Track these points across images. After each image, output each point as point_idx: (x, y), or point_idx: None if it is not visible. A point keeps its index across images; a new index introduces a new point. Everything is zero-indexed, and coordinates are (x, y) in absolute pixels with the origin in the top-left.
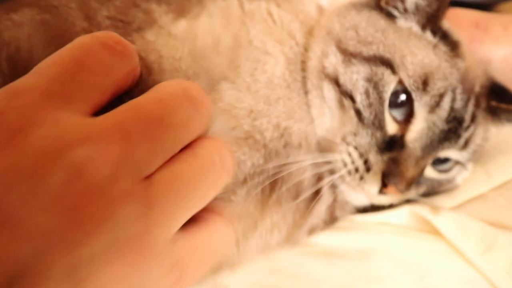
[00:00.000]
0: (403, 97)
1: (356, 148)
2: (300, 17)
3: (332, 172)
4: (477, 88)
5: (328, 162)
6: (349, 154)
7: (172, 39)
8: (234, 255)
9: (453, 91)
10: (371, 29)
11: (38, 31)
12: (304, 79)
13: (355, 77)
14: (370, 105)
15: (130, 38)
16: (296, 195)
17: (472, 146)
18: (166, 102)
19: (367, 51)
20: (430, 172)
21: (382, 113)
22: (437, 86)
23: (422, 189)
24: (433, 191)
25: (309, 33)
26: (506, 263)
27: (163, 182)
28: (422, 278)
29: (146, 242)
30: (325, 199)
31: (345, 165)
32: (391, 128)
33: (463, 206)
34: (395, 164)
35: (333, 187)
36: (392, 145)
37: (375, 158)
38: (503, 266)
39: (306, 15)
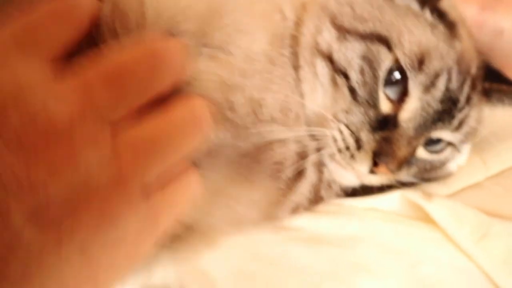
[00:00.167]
0: (397, 75)
1: (347, 126)
2: None
3: (319, 150)
4: (473, 70)
5: (316, 138)
6: (340, 132)
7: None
8: (200, 220)
9: (449, 71)
10: (367, 6)
11: None
12: (293, 54)
13: (350, 54)
14: (364, 83)
15: None
16: (276, 172)
17: (465, 128)
18: (128, 52)
19: (363, 28)
20: (422, 152)
21: (376, 91)
22: (433, 65)
23: (413, 170)
24: (425, 173)
25: (302, 7)
26: (502, 252)
27: (131, 132)
28: (413, 265)
29: (119, 190)
30: (310, 177)
31: (335, 141)
32: (385, 106)
33: (457, 195)
34: (387, 144)
35: (319, 165)
36: (385, 124)
37: (366, 137)
38: (499, 255)
39: None
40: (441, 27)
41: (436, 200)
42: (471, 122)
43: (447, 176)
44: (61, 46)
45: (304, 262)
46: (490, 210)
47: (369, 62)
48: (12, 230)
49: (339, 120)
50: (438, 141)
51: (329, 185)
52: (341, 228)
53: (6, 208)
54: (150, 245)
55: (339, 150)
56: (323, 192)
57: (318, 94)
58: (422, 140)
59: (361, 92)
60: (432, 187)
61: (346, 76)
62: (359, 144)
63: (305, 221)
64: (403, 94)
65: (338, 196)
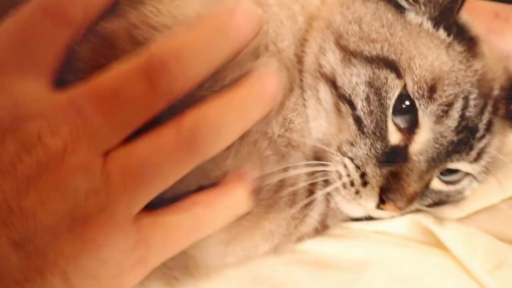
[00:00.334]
0: (408, 102)
1: (352, 159)
2: (300, 0)
3: (326, 182)
4: (495, 92)
5: (322, 172)
6: (345, 166)
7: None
8: (214, 256)
9: (466, 97)
10: (376, 24)
11: None
12: (300, 73)
13: (355, 80)
14: (371, 112)
15: None
16: (292, 203)
17: (485, 158)
18: (121, 78)
19: (369, 50)
20: (437, 183)
21: (385, 121)
22: (446, 93)
23: (427, 201)
24: (440, 202)
25: (308, 23)
26: None
27: (121, 159)
28: None
29: (107, 217)
30: (319, 207)
31: (340, 177)
32: (394, 138)
33: (471, 218)
34: (396, 179)
35: (326, 194)
36: (394, 157)
37: (373, 172)
38: None
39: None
40: (457, 47)
41: (448, 225)
42: (492, 151)
43: (460, 199)
44: (56, 60)
45: (307, 286)
46: (506, 235)
47: (376, 89)
48: None
49: (343, 154)
50: (455, 170)
51: (335, 213)
52: (348, 252)
53: None
54: (141, 274)
55: (344, 186)
56: (329, 221)
57: (323, 121)
58: (437, 173)
59: (367, 122)
60: (444, 210)
61: (351, 103)
62: (364, 180)
63: (309, 244)
64: (414, 124)
65: (344, 221)
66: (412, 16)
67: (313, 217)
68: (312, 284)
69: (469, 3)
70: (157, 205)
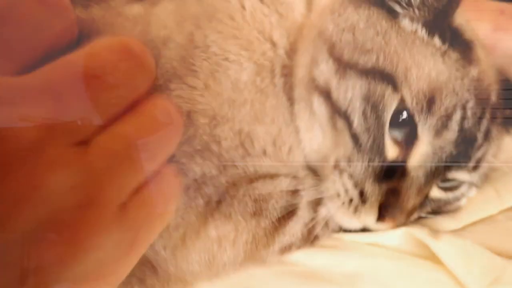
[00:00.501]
0: (405, 115)
1: (351, 176)
2: (280, 10)
3: (316, 188)
4: (493, 98)
5: (317, 188)
6: (343, 184)
7: (123, 19)
8: (171, 262)
9: (464, 107)
10: (370, 32)
11: None
12: (287, 85)
13: (350, 94)
14: (368, 129)
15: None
16: (258, 211)
17: (484, 166)
18: (102, 57)
19: (364, 62)
20: (435, 192)
21: (382, 136)
22: (445, 104)
23: (426, 210)
24: (438, 209)
25: (298, 31)
26: None
27: (102, 146)
28: None
29: (92, 214)
30: (302, 217)
31: (338, 195)
32: (391, 152)
33: (468, 229)
34: (394, 195)
35: (315, 204)
36: (392, 172)
37: (371, 188)
38: None
39: (288, 7)
40: (453, 54)
41: (443, 238)
42: (489, 159)
43: (456, 209)
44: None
45: None
46: (504, 248)
47: (373, 104)
48: None
49: (341, 170)
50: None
51: (326, 224)
52: (340, 264)
53: None
54: (132, 262)
55: (342, 203)
56: (319, 231)
57: (316, 134)
58: (435, 184)
59: (364, 138)
60: (439, 221)
61: (346, 117)
62: (363, 197)
63: (300, 255)
64: (412, 138)
65: (336, 231)
66: (406, 22)
67: (295, 227)
68: None
69: (473, 2)
70: None
